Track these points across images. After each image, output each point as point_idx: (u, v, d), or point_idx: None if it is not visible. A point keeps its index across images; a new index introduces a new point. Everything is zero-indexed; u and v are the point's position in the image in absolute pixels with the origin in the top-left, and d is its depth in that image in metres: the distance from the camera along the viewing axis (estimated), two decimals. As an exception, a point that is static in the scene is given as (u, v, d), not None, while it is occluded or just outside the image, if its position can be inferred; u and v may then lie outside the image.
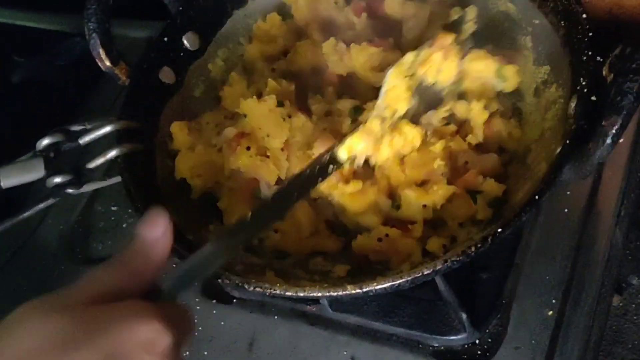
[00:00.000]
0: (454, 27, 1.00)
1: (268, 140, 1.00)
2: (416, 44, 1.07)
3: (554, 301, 0.99)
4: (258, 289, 0.85)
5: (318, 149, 0.99)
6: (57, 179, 0.99)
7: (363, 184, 0.96)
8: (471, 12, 1.01)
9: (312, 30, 1.18)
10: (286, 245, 1.00)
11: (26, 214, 1.09)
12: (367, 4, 1.15)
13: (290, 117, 1.01)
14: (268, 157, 1.01)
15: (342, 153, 0.91)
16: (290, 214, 1.01)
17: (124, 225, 1.27)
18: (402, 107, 0.95)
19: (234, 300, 1.14)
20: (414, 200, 0.94)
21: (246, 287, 0.86)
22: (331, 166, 0.90)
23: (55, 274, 1.24)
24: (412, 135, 0.96)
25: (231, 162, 1.01)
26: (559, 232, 1.04)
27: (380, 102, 0.94)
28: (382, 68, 1.06)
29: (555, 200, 1.06)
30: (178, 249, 0.91)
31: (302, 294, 0.84)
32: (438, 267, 0.81)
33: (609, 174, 1.08)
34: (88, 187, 1.03)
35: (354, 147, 0.92)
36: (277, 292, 0.85)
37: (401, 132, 0.96)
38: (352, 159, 0.92)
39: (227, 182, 1.03)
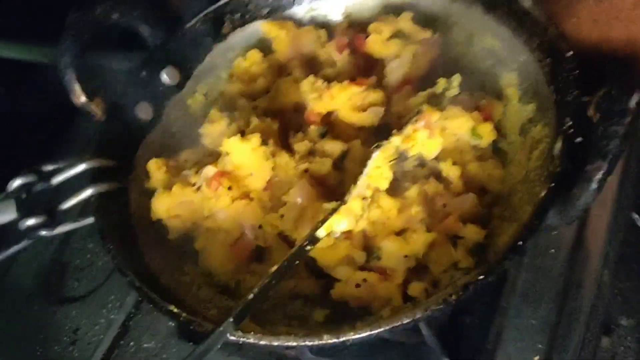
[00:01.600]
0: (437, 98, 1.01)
1: (250, 179, 0.98)
2: (400, 85, 1.06)
3: (540, 346, 0.96)
4: (232, 338, 0.82)
5: (295, 196, 0.96)
6: (30, 221, 0.96)
7: (335, 239, 0.93)
8: (455, 80, 1.01)
9: (294, 66, 1.16)
10: (263, 288, 0.97)
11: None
12: (349, 41, 1.13)
13: (273, 156, 0.98)
14: (251, 198, 0.98)
15: (321, 232, 0.90)
16: (268, 256, 0.98)
17: (100, 263, 1.23)
18: (383, 185, 0.94)
19: (211, 343, 1.10)
20: (394, 251, 0.92)
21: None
22: (309, 246, 0.89)
23: (29, 314, 1.21)
24: (389, 207, 0.94)
25: (212, 203, 0.97)
26: (545, 273, 1.02)
27: (361, 182, 0.93)
28: (364, 108, 1.04)
29: (541, 241, 1.04)
30: (149, 294, 0.89)
31: (275, 343, 0.81)
32: (418, 316, 0.78)
33: (596, 212, 1.06)
34: (62, 229, 0.99)
35: (334, 227, 0.91)
36: (251, 340, 0.82)
37: (379, 204, 0.94)
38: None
39: (205, 222, 1.00)
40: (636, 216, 1.16)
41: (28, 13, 1.36)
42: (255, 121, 1.02)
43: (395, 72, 1.07)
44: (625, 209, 1.09)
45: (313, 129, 1.05)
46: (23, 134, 1.42)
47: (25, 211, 0.96)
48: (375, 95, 1.04)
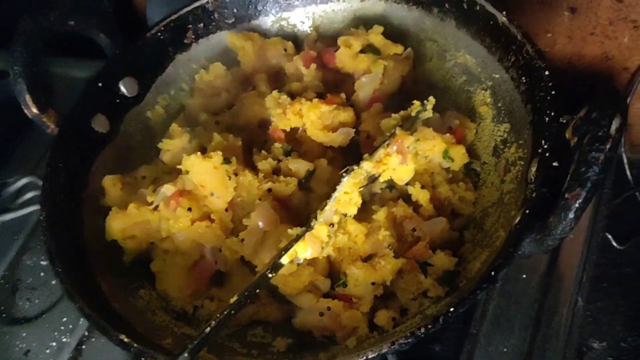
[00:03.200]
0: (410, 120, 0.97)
1: (211, 200, 0.92)
2: (370, 101, 1.02)
3: (512, 375, 0.92)
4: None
5: (256, 220, 0.92)
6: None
7: (298, 265, 0.89)
8: (430, 104, 0.97)
9: (259, 80, 1.11)
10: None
11: None
12: (318, 54, 1.09)
13: (236, 174, 0.93)
14: (211, 220, 0.93)
15: (284, 260, 0.86)
16: (228, 281, 0.93)
17: (53, 282, 1.17)
18: (352, 211, 0.90)
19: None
20: (361, 278, 0.87)
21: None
22: (272, 274, 0.85)
23: (-25, 333, 1.14)
24: (356, 232, 0.90)
25: (170, 224, 0.92)
26: (517, 300, 0.98)
27: (329, 207, 0.89)
28: (334, 127, 1.00)
29: (513, 266, 1.00)
30: (99, 322, 0.83)
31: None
32: (384, 350, 0.74)
33: (570, 236, 1.01)
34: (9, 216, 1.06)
35: (299, 254, 0.87)
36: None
37: (345, 230, 0.90)
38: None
39: (163, 244, 0.95)
40: (609, 237, 1.13)
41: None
42: (217, 138, 0.97)
43: (365, 88, 1.04)
44: (600, 230, 1.06)
45: (277, 146, 1.01)
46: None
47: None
48: (346, 115, 1.01)
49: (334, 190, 0.89)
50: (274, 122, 1.01)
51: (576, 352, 1.00)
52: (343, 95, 1.04)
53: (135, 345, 0.79)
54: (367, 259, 0.90)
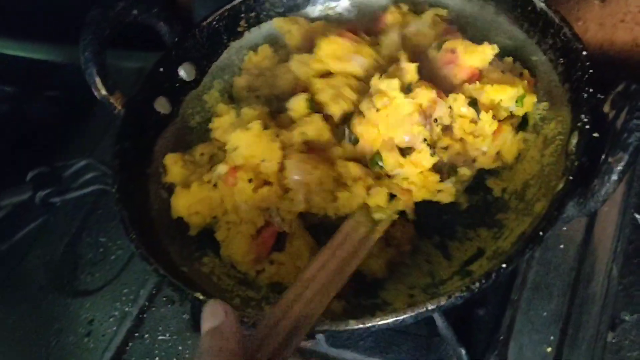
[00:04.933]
0: None
1: (264, 165, 0.99)
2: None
3: (552, 338, 0.98)
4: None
5: (292, 175, 0.99)
6: (43, 192, 1.13)
7: None
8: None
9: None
10: (283, 277, 0.99)
11: (18, 235, 1.21)
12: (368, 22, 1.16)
13: (278, 136, 1.00)
14: (270, 183, 0.99)
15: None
16: (289, 244, 0.99)
17: (112, 257, 1.24)
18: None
19: (226, 335, 1.11)
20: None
21: (245, 321, 0.83)
22: None
23: (43, 305, 1.21)
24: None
25: (236, 198, 0.99)
26: (556, 268, 1.04)
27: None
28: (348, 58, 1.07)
29: (552, 236, 1.06)
30: (173, 281, 0.90)
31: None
32: (442, 303, 0.80)
33: (605, 209, 1.08)
34: (71, 195, 1.17)
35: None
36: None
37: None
38: None
39: (226, 216, 1.01)
40: (638, 216, 1.18)
41: (44, 12, 1.37)
42: (247, 110, 1.05)
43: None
44: (632, 206, 1.11)
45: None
46: (38, 130, 1.43)
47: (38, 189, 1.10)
48: (365, 50, 1.08)
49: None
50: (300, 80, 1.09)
51: (610, 322, 1.06)
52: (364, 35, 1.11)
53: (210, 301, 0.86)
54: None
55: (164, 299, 1.16)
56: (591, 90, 0.91)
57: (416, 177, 0.98)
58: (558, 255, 1.05)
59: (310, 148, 1.01)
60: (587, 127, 0.88)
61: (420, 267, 0.98)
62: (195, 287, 0.91)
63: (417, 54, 1.06)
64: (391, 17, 1.14)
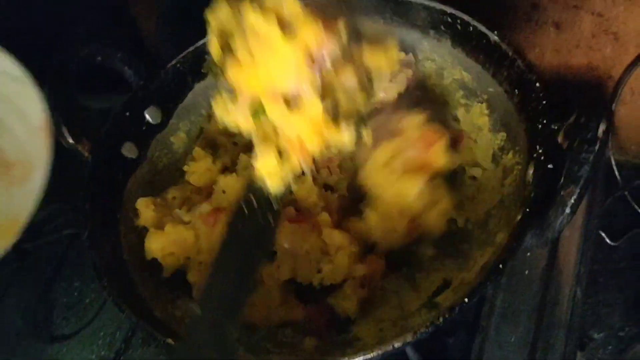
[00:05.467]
0: None
1: None
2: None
3: (521, 362, 1.00)
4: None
5: (282, 242, 1.01)
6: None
7: None
8: None
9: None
10: (255, 319, 1.00)
11: None
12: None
13: None
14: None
15: None
16: (261, 286, 1.01)
17: (87, 301, 1.25)
18: None
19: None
20: None
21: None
22: None
23: (19, 351, 1.22)
24: None
25: (213, 239, 1.00)
26: (522, 293, 1.06)
27: None
28: None
29: (517, 263, 1.08)
30: (145, 326, 0.91)
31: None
32: (408, 340, 0.82)
33: (567, 233, 1.11)
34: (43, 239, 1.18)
35: None
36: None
37: None
38: None
39: (199, 257, 1.03)
40: (603, 234, 1.21)
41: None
42: (243, 158, 1.06)
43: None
44: (594, 228, 1.14)
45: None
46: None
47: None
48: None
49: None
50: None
51: (578, 343, 1.08)
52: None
53: (181, 347, 0.88)
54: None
55: (140, 341, 1.16)
56: (545, 121, 0.93)
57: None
58: (523, 281, 1.07)
59: (297, 209, 1.04)
60: (542, 158, 0.90)
61: (389, 300, 1.00)
62: (167, 332, 0.92)
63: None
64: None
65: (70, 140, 1.07)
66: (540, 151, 0.92)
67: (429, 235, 1.03)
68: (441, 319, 0.82)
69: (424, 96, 1.16)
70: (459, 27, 1.09)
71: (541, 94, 0.96)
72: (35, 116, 1.02)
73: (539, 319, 1.04)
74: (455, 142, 1.10)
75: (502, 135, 1.04)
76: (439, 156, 1.02)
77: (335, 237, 1.00)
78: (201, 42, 1.19)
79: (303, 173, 0.99)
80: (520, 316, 1.04)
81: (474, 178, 1.07)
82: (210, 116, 1.21)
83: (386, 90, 1.10)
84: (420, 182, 1.00)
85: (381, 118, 1.06)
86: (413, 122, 1.03)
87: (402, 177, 1.01)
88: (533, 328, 1.03)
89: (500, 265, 0.84)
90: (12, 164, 0.99)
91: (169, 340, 0.88)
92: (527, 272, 1.08)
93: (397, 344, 0.82)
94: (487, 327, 1.04)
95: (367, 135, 0.91)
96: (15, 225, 0.88)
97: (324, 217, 1.02)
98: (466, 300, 0.82)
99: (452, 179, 1.07)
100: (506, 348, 1.02)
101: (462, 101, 1.12)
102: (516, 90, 1.01)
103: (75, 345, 1.20)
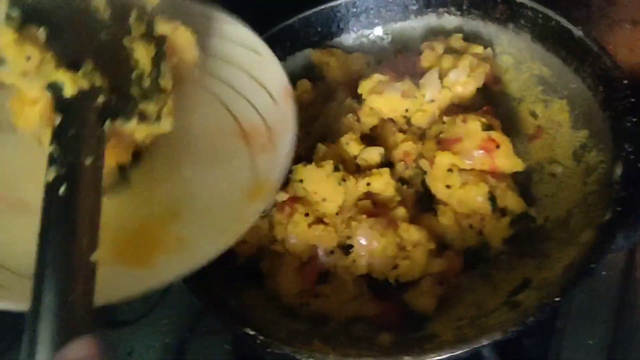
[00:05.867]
0: None
1: (324, 205, 0.99)
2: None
3: (598, 365, 0.98)
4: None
5: (360, 237, 0.99)
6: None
7: None
8: None
9: (340, 91, 1.18)
10: (327, 311, 0.99)
11: None
12: (401, 60, 1.16)
13: (344, 180, 1.00)
14: (325, 223, 0.99)
15: None
16: (334, 278, 1.00)
17: (150, 287, 1.24)
18: None
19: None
20: None
21: (298, 357, 0.84)
22: None
23: (80, 336, 1.21)
24: None
25: (284, 228, 0.99)
26: (600, 295, 1.04)
27: None
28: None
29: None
30: (222, 317, 0.90)
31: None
32: (496, 338, 0.80)
33: (644, 235, 1.08)
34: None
35: None
36: (332, 363, 0.83)
37: None
38: None
39: (272, 246, 1.02)
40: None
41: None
42: (322, 147, 1.04)
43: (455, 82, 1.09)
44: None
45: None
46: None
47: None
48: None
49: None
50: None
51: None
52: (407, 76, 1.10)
53: (260, 337, 0.86)
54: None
55: (205, 329, 1.16)
56: (634, 119, 0.91)
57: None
58: (601, 283, 1.05)
59: (374, 202, 1.02)
60: (632, 157, 0.88)
61: (464, 297, 0.98)
62: (243, 321, 0.91)
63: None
64: (426, 61, 1.14)
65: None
66: (629, 150, 0.89)
67: (499, 235, 1.01)
68: (531, 318, 0.80)
69: (499, 91, 1.14)
70: (540, 21, 1.07)
71: (628, 92, 0.94)
72: (275, 86, 1.02)
73: (617, 322, 1.01)
74: (532, 138, 1.08)
75: (585, 132, 1.02)
76: (502, 161, 1.01)
77: (412, 233, 0.98)
78: (274, 29, 1.20)
79: (382, 166, 0.99)
80: (598, 319, 1.02)
81: (553, 175, 1.04)
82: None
83: (464, 85, 1.08)
84: (482, 189, 0.99)
85: (450, 118, 1.04)
86: (476, 127, 1.01)
87: (464, 185, 1.00)
88: (611, 331, 1.01)
89: (592, 265, 0.82)
90: (254, 135, 0.98)
91: (248, 330, 0.87)
92: (604, 273, 1.05)
93: (484, 341, 0.80)
94: (563, 329, 1.02)
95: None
96: (265, 189, 0.88)
97: (401, 211, 1.00)
98: (557, 299, 0.81)
99: (529, 177, 1.06)
100: (583, 351, 1.00)
101: (541, 97, 1.09)
102: (600, 87, 0.99)
103: (139, 331, 1.19)
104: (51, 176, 0.74)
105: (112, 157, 0.92)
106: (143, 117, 0.89)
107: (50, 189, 0.74)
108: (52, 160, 0.76)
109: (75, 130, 0.79)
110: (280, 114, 1.00)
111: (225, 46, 1.08)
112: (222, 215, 0.91)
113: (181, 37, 0.96)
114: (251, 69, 1.06)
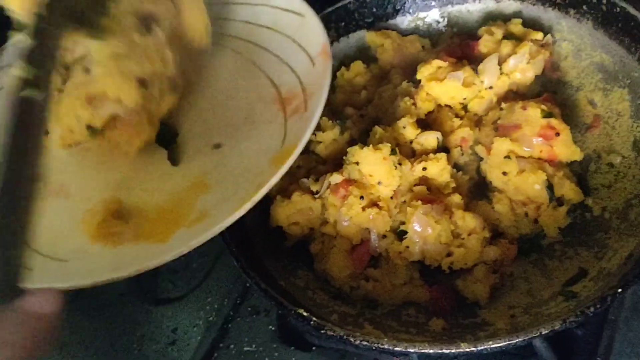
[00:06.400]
0: None
1: (379, 188, 0.98)
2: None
3: (651, 358, 0.96)
4: (364, 343, 0.82)
5: (414, 224, 0.97)
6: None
7: None
8: None
9: (394, 74, 1.17)
10: (378, 294, 0.98)
11: None
12: (459, 44, 1.14)
13: (400, 164, 0.99)
14: (379, 207, 0.98)
15: None
16: (385, 262, 0.99)
17: (194, 265, 1.24)
18: None
19: (313, 348, 1.10)
20: None
21: (352, 340, 0.83)
22: None
23: (124, 312, 1.21)
24: None
25: (336, 210, 0.98)
26: (654, 288, 1.02)
27: None
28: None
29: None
30: (273, 294, 0.89)
31: (412, 350, 0.81)
32: (555, 328, 0.79)
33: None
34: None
35: None
36: (386, 346, 0.82)
37: None
38: None
39: (323, 228, 1.01)
40: None
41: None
42: (379, 130, 1.02)
43: (514, 69, 1.07)
44: None
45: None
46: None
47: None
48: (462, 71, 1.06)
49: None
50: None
51: None
52: (466, 62, 1.09)
53: (314, 319, 0.85)
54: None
55: (249, 309, 1.15)
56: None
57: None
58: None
59: (429, 188, 1.01)
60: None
61: (518, 285, 0.97)
62: (295, 302, 0.90)
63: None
64: (484, 46, 1.12)
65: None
66: (693, 141, 0.87)
67: (556, 224, 1.00)
68: (592, 309, 0.79)
69: (557, 78, 1.12)
70: (603, 7, 1.05)
71: (694, 82, 0.92)
72: (315, 47, 1.01)
73: (670, 317, 0.99)
74: (589, 127, 1.06)
75: (646, 123, 0.99)
76: (561, 149, 1.00)
77: (468, 221, 0.97)
78: (328, 9, 1.18)
79: (437, 151, 0.98)
80: (652, 311, 1.00)
81: (611, 165, 1.02)
82: (335, 87, 1.19)
83: (522, 72, 1.06)
84: (540, 177, 0.98)
85: (508, 104, 1.03)
86: (536, 114, 0.99)
87: (522, 172, 0.99)
88: (665, 325, 0.99)
89: (658, 257, 0.80)
90: (290, 99, 0.98)
91: (301, 311, 0.86)
92: (660, 266, 1.03)
93: (544, 331, 0.79)
94: (616, 321, 1.00)
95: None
96: (288, 154, 0.87)
97: (456, 198, 0.99)
98: (619, 291, 0.79)
99: (585, 167, 1.04)
100: (637, 344, 0.98)
101: (600, 85, 1.07)
102: (665, 77, 0.97)
103: (182, 309, 1.19)
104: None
105: (136, 135, 0.95)
106: None
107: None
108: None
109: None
110: (316, 75, 0.99)
111: (270, 14, 1.09)
112: (245, 183, 0.89)
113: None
114: (294, 33, 1.06)
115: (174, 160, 0.98)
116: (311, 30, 1.04)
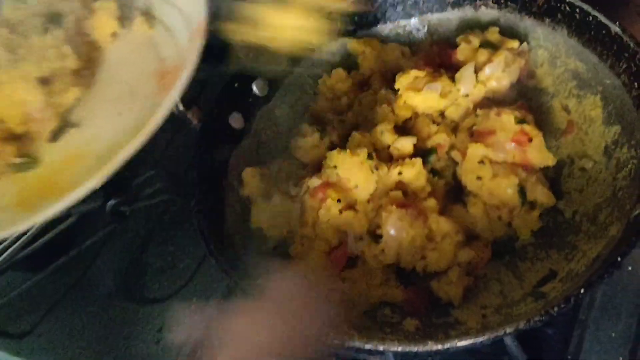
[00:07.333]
0: None
1: (355, 191, 1.01)
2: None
3: (620, 358, 0.99)
4: (336, 342, 0.85)
5: (389, 229, 1.00)
6: (113, 201, 1.12)
7: None
8: None
9: (374, 80, 1.20)
10: (355, 295, 1.01)
11: (88, 242, 1.25)
12: (437, 52, 1.17)
13: (377, 169, 1.02)
14: (355, 209, 1.01)
15: None
16: (362, 262, 1.02)
17: (180, 266, 1.27)
18: None
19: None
20: None
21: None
22: None
23: (111, 311, 1.24)
24: None
25: (320, 214, 1.01)
26: (623, 289, 1.04)
27: None
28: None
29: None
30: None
31: (381, 348, 0.84)
32: (520, 327, 0.81)
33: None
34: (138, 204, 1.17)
35: None
36: (357, 344, 0.85)
37: None
38: None
39: (302, 230, 1.04)
40: None
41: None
42: (357, 136, 1.06)
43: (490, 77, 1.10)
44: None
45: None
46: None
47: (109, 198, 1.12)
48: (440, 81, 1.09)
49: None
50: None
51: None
52: (443, 71, 1.12)
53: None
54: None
55: (233, 308, 1.18)
56: (667, 116, 0.91)
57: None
58: (625, 277, 1.05)
59: (404, 193, 1.04)
60: (664, 154, 0.89)
61: (490, 286, 1.00)
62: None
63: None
64: (461, 54, 1.15)
65: (181, 108, 1.09)
66: (661, 147, 0.90)
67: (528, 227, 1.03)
68: (556, 309, 0.81)
69: (533, 86, 1.15)
70: (577, 16, 1.07)
71: (664, 90, 0.94)
72: (195, 19, 1.04)
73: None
74: (564, 133, 1.09)
75: (617, 128, 1.02)
76: (534, 154, 1.03)
77: (442, 225, 1.00)
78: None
79: (414, 156, 1.01)
80: (621, 312, 1.02)
81: (583, 170, 1.05)
82: (316, 94, 1.22)
83: (498, 80, 1.09)
84: (512, 181, 1.01)
85: (483, 111, 1.06)
86: (509, 120, 1.03)
87: (495, 177, 1.02)
88: (635, 325, 1.01)
89: (619, 258, 0.83)
90: (167, 72, 1.02)
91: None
92: (630, 268, 1.06)
93: (509, 330, 0.82)
94: (586, 321, 1.03)
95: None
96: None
97: (431, 202, 1.02)
98: (582, 291, 0.82)
99: (559, 171, 1.06)
100: (606, 344, 1.00)
101: (575, 92, 1.10)
102: (635, 84, 0.99)
103: (168, 309, 1.21)
104: None
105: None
106: None
107: None
108: None
109: None
110: (191, 50, 1.01)
111: None
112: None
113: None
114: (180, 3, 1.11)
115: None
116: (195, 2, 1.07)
